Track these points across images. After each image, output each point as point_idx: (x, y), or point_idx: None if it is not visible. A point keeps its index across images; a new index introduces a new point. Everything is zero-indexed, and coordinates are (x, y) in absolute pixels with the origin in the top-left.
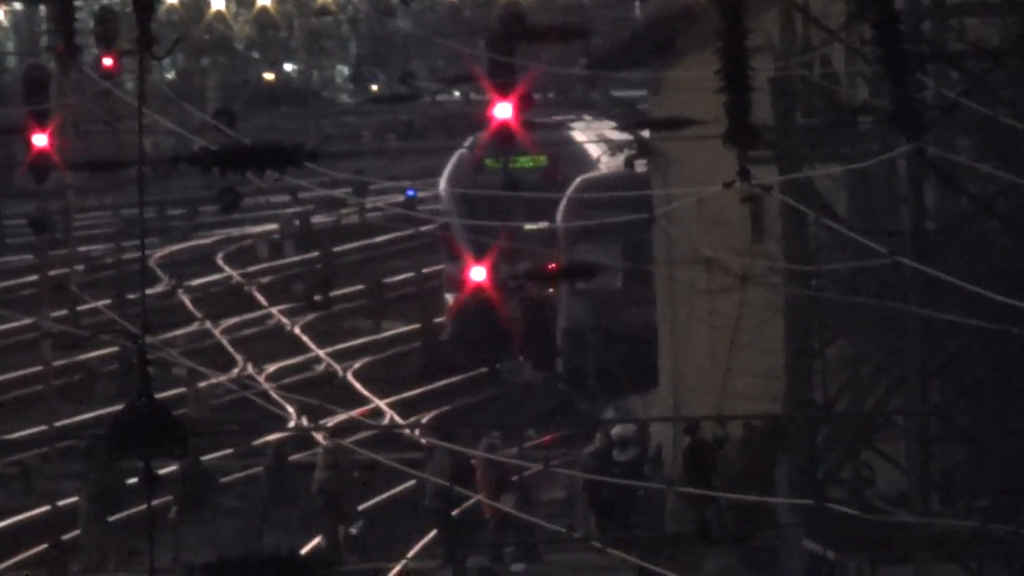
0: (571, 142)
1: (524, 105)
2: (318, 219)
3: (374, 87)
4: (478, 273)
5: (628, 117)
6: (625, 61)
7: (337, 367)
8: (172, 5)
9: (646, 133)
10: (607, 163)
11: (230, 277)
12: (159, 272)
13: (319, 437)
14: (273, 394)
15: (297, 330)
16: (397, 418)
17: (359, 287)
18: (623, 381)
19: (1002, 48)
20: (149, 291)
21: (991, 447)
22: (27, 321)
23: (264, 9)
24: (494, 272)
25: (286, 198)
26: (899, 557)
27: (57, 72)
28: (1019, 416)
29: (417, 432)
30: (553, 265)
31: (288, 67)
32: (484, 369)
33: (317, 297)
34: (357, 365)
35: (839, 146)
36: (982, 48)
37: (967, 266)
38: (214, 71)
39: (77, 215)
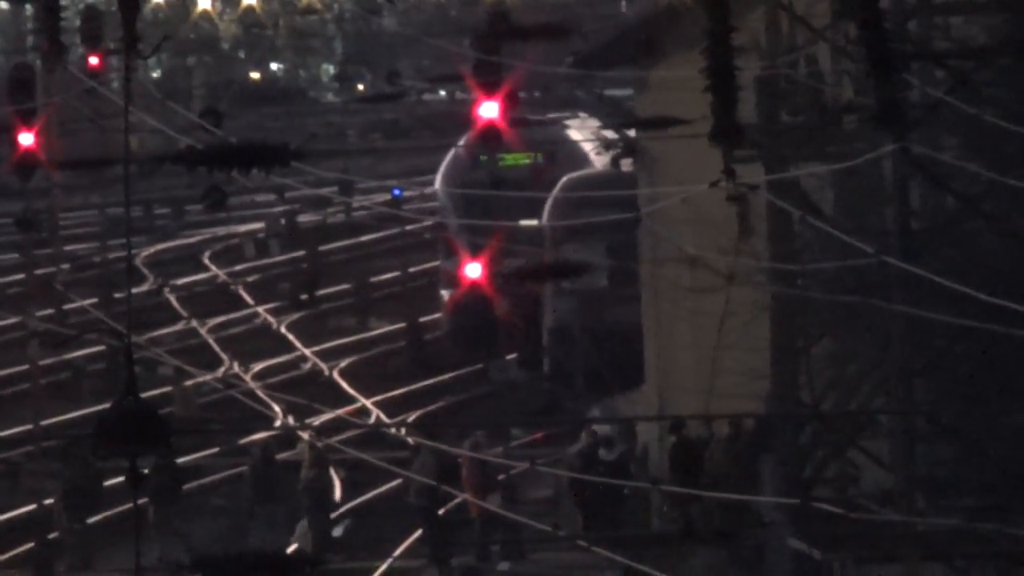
0: (566, 140)
1: (510, 104)
2: (304, 218)
3: (360, 86)
4: (474, 270)
5: (614, 116)
6: (611, 60)
7: (323, 366)
8: (158, 4)
9: (632, 132)
10: (599, 161)
11: (216, 276)
12: (145, 271)
13: (305, 436)
14: (259, 393)
15: (283, 329)
16: (383, 417)
17: (345, 286)
18: (609, 380)
19: (987, 47)
20: (135, 290)
21: (976, 446)
22: (13, 320)
23: (250, 8)
24: (490, 269)
25: (272, 197)
26: (884, 556)
27: (43, 71)
28: (1004, 415)
29: (403, 431)
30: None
31: (274, 66)
32: (477, 366)
33: (303, 296)
34: (343, 364)
35: (825, 145)
36: (967, 47)
37: (953, 265)
38: (200, 70)
39: (63, 214)
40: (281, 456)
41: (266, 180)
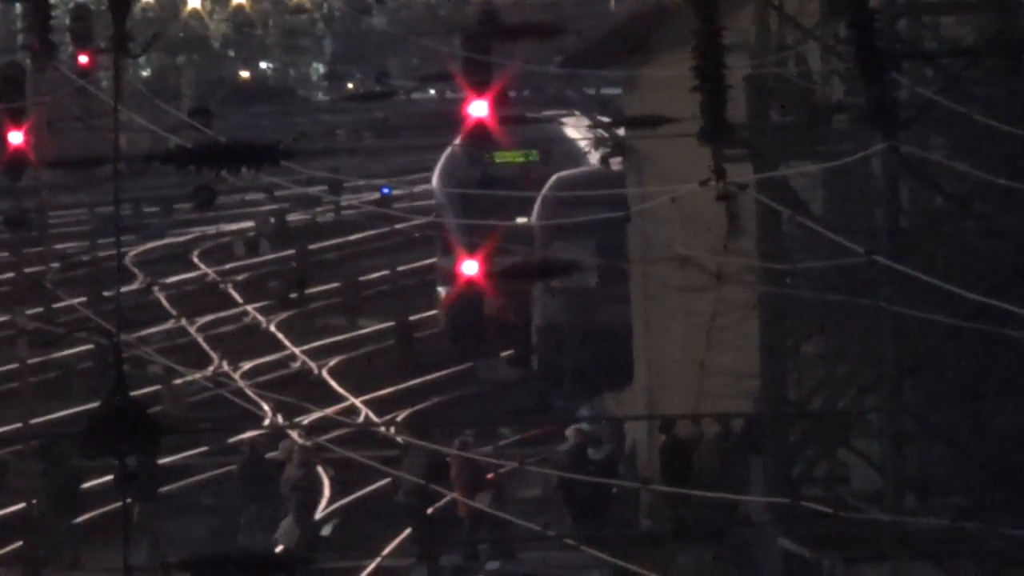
0: (562, 137)
1: (500, 103)
2: (294, 217)
3: (350, 85)
4: (470, 267)
5: (604, 115)
6: (600, 59)
7: (312, 365)
8: (148, 3)
9: (621, 131)
10: (595, 159)
11: (206, 275)
12: (135, 270)
13: (294, 435)
14: (248, 392)
15: (272, 328)
16: (372, 416)
17: (334, 285)
18: (598, 379)
19: (977, 46)
20: (125, 289)
21: (965, 445)
22: (3, 319)
23: (240, 7)
24: (488, 266)
25: (262, 196)
26: (873, 555)
27: (33, 70)
28: (993, 414)
29: (392, 430)
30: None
31: (264, 65)
32: (467, 365)
33: (292, 295)
34: (332, 362)
35: (814, 144)
36: (957, 46)
37: (942, 264)
38: (190, 69)
39: (52, 213)
40: (269, 455)
41: (256, 179)
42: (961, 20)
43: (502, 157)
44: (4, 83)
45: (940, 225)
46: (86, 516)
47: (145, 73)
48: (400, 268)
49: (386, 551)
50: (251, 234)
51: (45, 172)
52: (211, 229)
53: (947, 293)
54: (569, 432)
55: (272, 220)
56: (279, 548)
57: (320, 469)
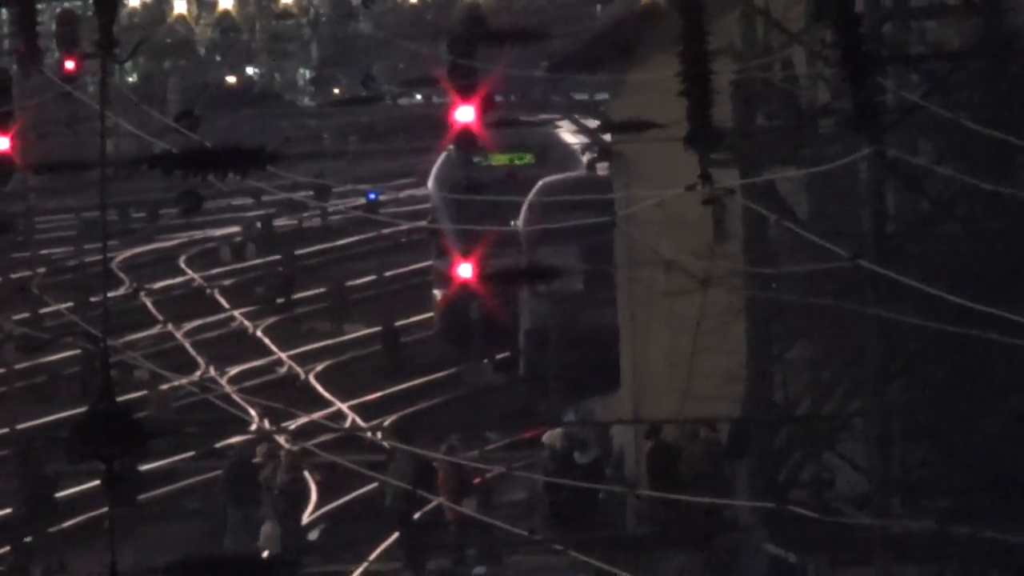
0: (557, 141)
1: (486, 107)
2: (280, 222)
3: (336, 90)
4: (465, 270)
5: (589, 120)
6: (586, 63)
7: (299, 369)
8: (134, 8)
9: (607, 136)
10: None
11: (192, 280)
12: (121, 275)
13: (281, 440)
14: (235, 396)
15: (259, 333)
16: (359, 421)
17: (321, 290)
18: (584, 383)
19: (962, 51)
20: (111, 294)
21: (951, 449)
22: None
23: (226, 12)
24: (482, 269)
25: (248, 201)
26: (859, 559)
27: (19, 74)
28: (979, 417)
29: (379, 435)
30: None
31: (250, 70)
32: (454, 369)
33: (279, 300)
34: (319, 367)
35: (800, 148)
36: (942, 51)
37: (927, 268)
38: (176, 74)
39: (39, 217)
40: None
41: (242, 184)
42: (946, 24)
43: (498, 160)
44: None
45: (925, 229)
46: (68, 523)
47: (131, 78)
48: (387, 273)
49: (373, 555)
50: (237, 239)
51: (31, 177)
52: (198, 234)
53: (932, 296)
54: (546, 438)
55: (259, 225)
56: (264, 553)
57: (307, 474)
